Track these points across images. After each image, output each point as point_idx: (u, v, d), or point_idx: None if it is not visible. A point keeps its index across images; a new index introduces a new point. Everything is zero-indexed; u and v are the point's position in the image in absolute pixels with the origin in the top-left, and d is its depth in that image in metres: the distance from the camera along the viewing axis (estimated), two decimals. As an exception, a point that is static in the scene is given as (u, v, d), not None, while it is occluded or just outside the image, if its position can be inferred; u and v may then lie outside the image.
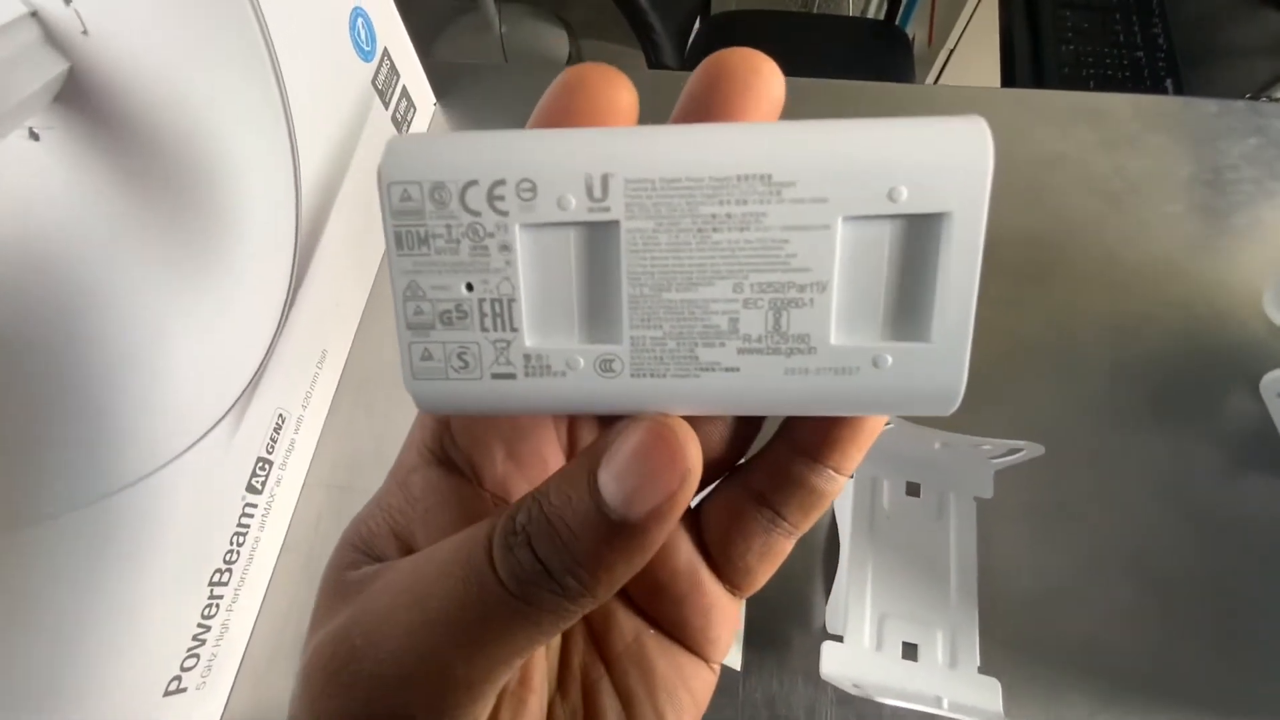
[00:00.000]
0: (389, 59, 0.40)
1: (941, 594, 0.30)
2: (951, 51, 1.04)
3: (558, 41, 1.46)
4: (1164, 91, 0.60)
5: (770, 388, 0.09)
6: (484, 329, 0.08)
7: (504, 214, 0.08)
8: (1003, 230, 0.41)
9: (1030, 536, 0.33)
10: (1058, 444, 0.35)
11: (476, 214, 0.08)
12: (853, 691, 0.26)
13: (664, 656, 0.13)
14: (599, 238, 0.08)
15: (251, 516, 0.31)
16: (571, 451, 0.14)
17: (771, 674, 0.31)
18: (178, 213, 0.25)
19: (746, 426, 0.13)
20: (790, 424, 0.12)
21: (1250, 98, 0.59)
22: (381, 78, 0.39)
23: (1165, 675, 0.31)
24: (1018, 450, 0.29)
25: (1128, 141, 0.44)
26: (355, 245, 0.38)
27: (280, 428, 0.33)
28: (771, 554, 0.13)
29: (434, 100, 0.48)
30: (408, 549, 0.12)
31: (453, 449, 0.13)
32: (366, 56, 0.37)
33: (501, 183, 0.08)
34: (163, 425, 0.25)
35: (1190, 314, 0.38)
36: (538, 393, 0.09)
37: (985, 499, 0.32)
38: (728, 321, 0.09)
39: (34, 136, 0.19)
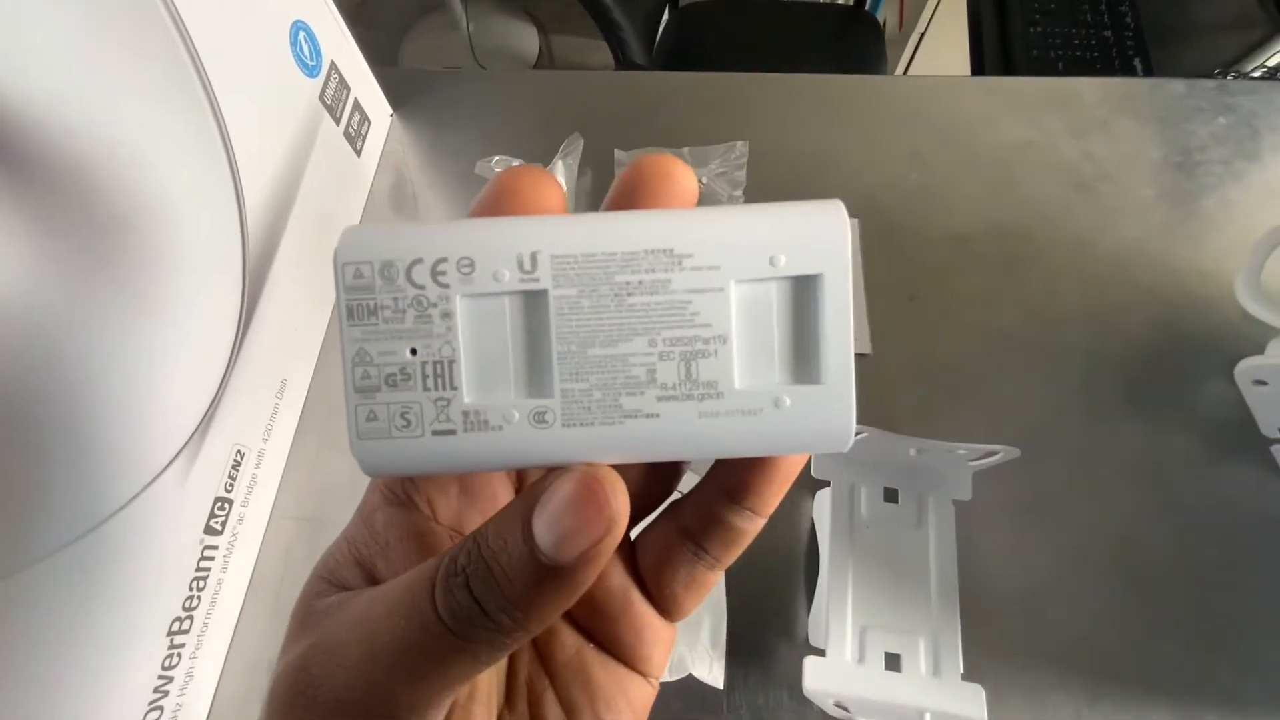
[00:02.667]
0: (337, 72, 0.39)
1: (923, 601, 0.30)
2: (922, 35, 1.03)
3: (527, 38, 1.44)
4: (1133, 71, 0.60)
5: (687, 431, 0.10)
6: (426, 389, 0.09)
7: (445, 286, 0.09)
8: (974, 223, 0.41)
9: (1010, 536, 0.33)
10: (1036, 439, 0.35)
11: (421, 287, 0.09)
12: (834, 713, 0.25)
13: (603, 669, 0.14)
14: (530, 304, 0.10)
15: (212, 560, 0.30)
16: (519, 487, 0.15)
17: (756, 689, 0.31)
18: (112, 251, 0.24)
19: (668, 469, 0.15)
20: (716, 467, 0.13)
21: (1219, 73, 0.59)
22: (330, 92, 0.38)
23: (1150, 669, 0.30)
24: (994, 454, 0.28)
25: (1097, 126, 0.44)
26: (312, 270, 0.37)
27: (239, 464, 0.32)
28: (696, 584, 0.14)
29: (390, 111, 0.46)
30: (372, 579, 0.12)
31: (410, 487, 0.13)
32: (311, 72, 0.36)
33: (444, 260, 0.09)
34: (105, 475, 0.24)
35: (1164, 301, 0.38)
36: (476, 448, 0.10)
37: (964, 501, 0.31)
38: (645, 372, 0.10)
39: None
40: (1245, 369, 0.33)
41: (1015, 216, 0.41)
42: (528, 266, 0.09)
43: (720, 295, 0.10)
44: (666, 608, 0.14)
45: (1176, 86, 0.45)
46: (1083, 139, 0.43)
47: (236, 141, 0.29)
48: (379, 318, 0.09)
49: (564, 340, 0.10)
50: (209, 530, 0.30)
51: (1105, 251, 0.40)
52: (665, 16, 1.06)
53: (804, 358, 0.10)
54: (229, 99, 0.28)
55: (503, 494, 0.15)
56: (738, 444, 0.10)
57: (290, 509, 0.35)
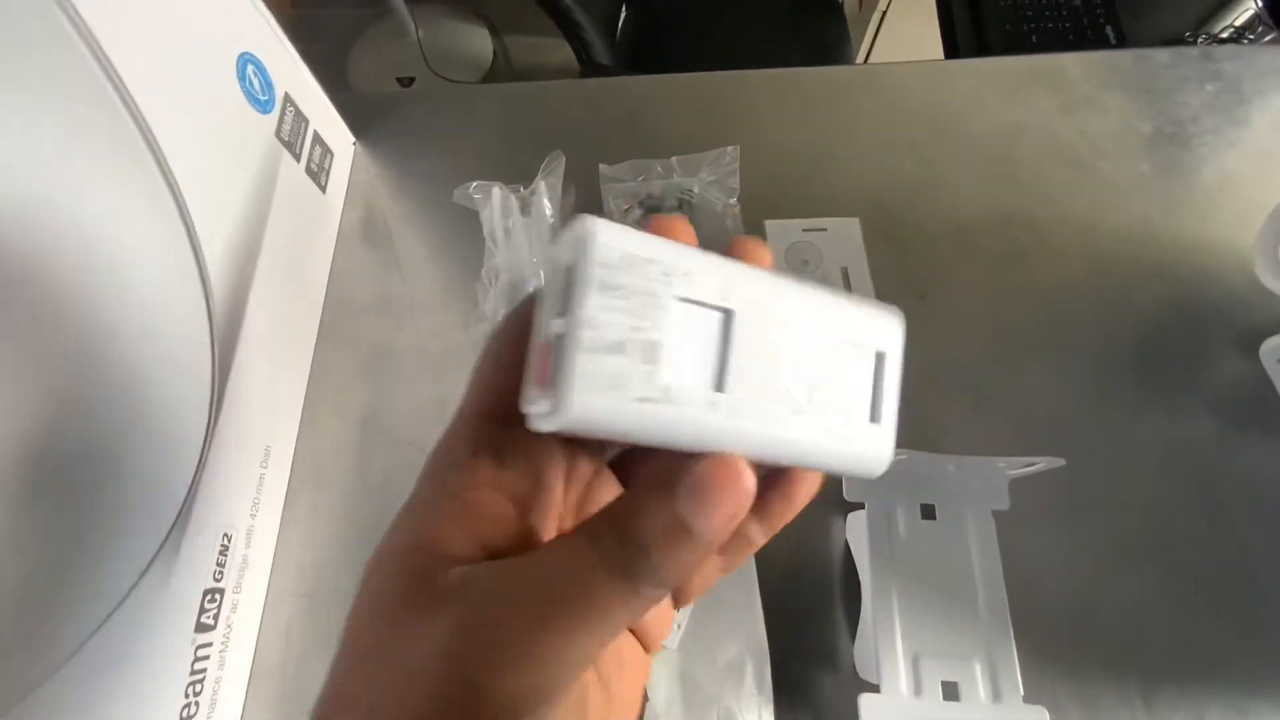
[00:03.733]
0: (292, 104, 0.35)
1: (973, 620, 0.29)
2: (884, 13, 1.02)
3: (480, 41, 1.40)
4: (1105, 40, 0.60)
5: (799, 438, 0.13)
6: (637, 362, 0.11)
7: (669, 286, 0.12)
8: (977, 211, 0.40)
9: (1047, 539, 0.32)
10: (1059, 435, 0.34)
11: (652, 281, 0.12)
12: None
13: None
14: (723, 319, 0.13)
15: (207, 658, 0.28)
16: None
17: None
18: (58, 332, 0.21)
19: None
20: None
21: (1190, 36, 0.59)
22: (287, 128, 0.35)
23: (1202, 663, 0.30)
24: (1034, 464, 0.27)
25: (1087, 103, 0.43)
26: (284, 327, 0.34)
27: (228, 548, 0.29)
28: (704, 580, 0.17)
29: (353, 140, 0.43)
30: (489, 550, 0.13)
31: (547, 463, 0.14)
32: (264, 107, 0.33)
33: (672, 268, 0.12)
34: (83, 595, 0.21)
35: (1174, 278, 0.37)
36: (661, 418, 0.12)
37: (1003, 511, 0.30)
38: (789, 391, 0.13)
39: None
40: (1271, 348, 0.32)
41: (1017, 201, 0.40)
42: (727, 292, 0.12)
43: (836, 352, 0.14)
44: (674, 597, 0.17)
45: (1161, 56, 0.44)
46: (1074, 116, 0.42)
47: (189, 195, 0.26)
48: (616, 295, 0.11)
49: (738, 352, 0.12)
50: (200, 628, 0.27)
51: (1110, 231, 0.39)
52: (623, 13, 1.03)
53: (875, 404, 0.14)
54: (176, 148, 0.25)
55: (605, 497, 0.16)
56: (823, 459, 0.14)
57: (288, 587, 0.32)
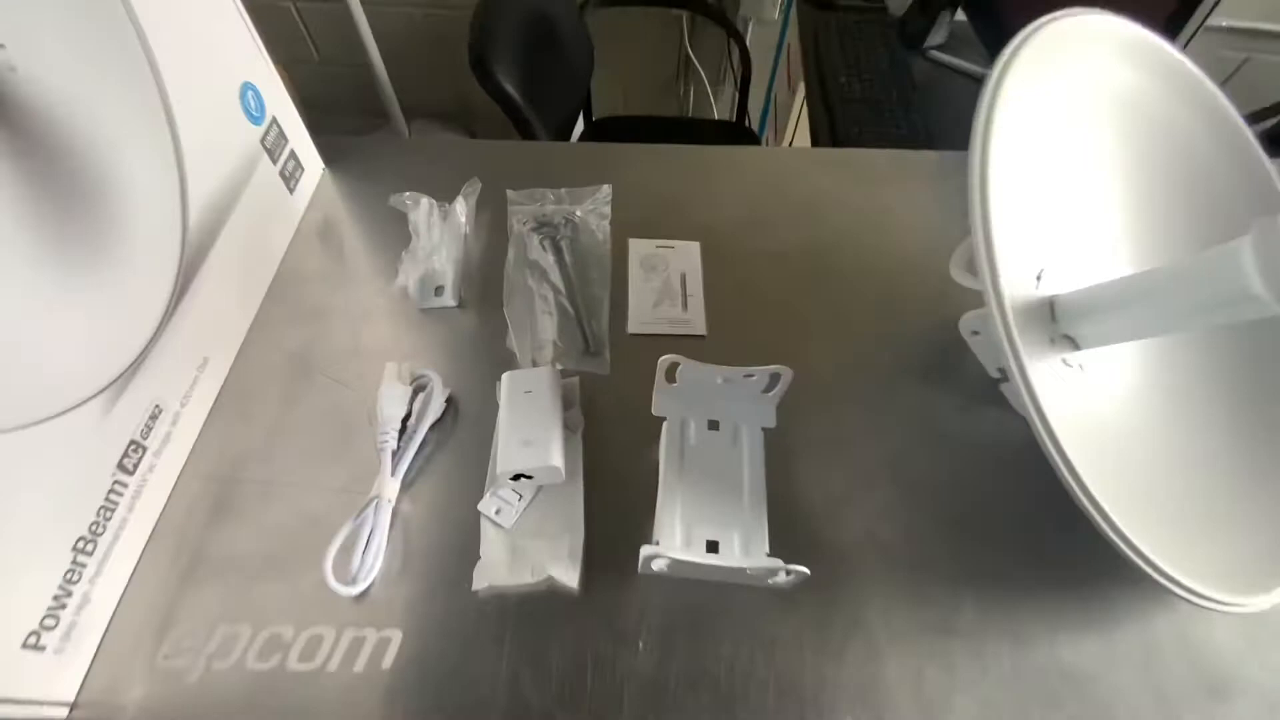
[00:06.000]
0: (277, 125, 0.48)
1: (737, 504, 0.37)
2: (791, 141, 1.26)
3: (464, 148, 1.62)
4: (913, 142, 0.78)
5: None
6: None
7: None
8: (791, 246, 0.53)
9: (813, 462, 0.41)
10: (836, 392, 0.44)
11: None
12: (663, 568, 0.31)
13: None
14: None
15: (121, 495, 0.34)
16: None
17: (610, 591, 0.36)
18: (73, 209, 0.31)
19: None
20: None
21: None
22: (270, 139, 0.47)
23: (923, 557, 0.38)
24: (777, 375, 0.37)
25: (878, 179, 0.58)
26: (240, 275, 0.44)
27: (157, 417, 0.37)
28: None
29: (323, 166, 0.56)
30: None
31: None
32: (256, 120, 0.45)
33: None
34: (35, 388, 0.29)
35: (927, 293, 0.50)
36: None
37: (770, 429, 0.39)
38: None
39: (-42, 134, 0.25)
40: (964, 322, 0.44)
41: (821, 239, 0.53)
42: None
43: None
44: None
45: (931, 155, 0.61)
46: (867, 185, 0.57)
47: (189, 154, 0.38)
48: None
49: None
50: (121, 468, 0.34)
51: (886, 261, 0.52)
52: (580, 128, 1.25)
53: None
54: (187, 125, 0.37)
55: None
56: None
57: (200, 471, 0.39)
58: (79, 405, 0.31)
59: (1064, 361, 0.38)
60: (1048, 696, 0.34)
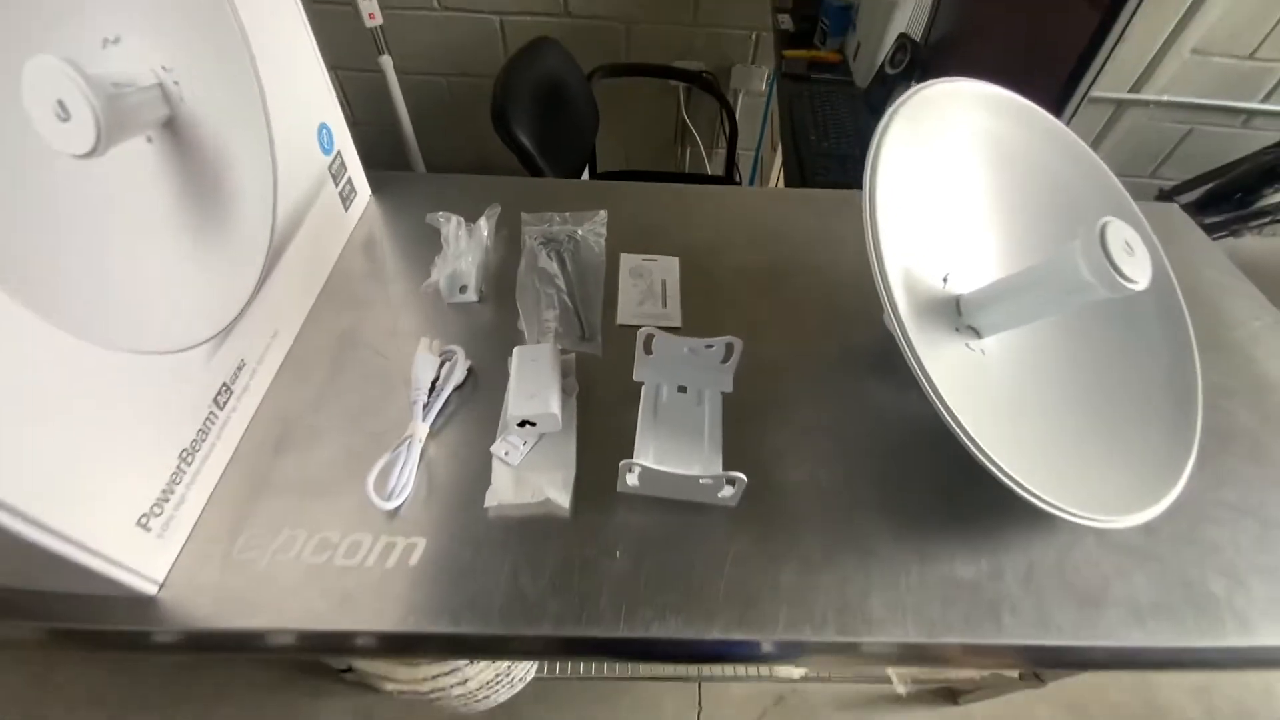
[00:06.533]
0: (340, 157, 0.60)
1: (698, 448, 0.46)
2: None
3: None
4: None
5: None
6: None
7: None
8: (754, 263, 0.64)
9: (769, 423, 0.50)
10: (786, 373, 0.54)
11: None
12: (635, 484, 0.40)
13: None
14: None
15: (213, 424, 0.44)
16: None
17: (594, 514, 0.44)
18: (205, 202, 0.42)
19: None
20: None
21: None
22: (335, 166, 0.59)
23: (854, 497, 0.46)
24: (731, 345, 0.47)
25: (831, 212, 0.70)
26: (305, 269, 0.55)
27: (240, 369, 0.46)
28: None
29: (370, 192, 0.68)
30: None
31: None
32: (326, 151, 0.57)
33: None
34: (177, 323, 0.39)
35: (866, 301, 0.60)
36: None
37: (729, 394, 0.49)
38: None
39: (149, 140, 0.37)
40: (886, 319, 0.54)
41: (778, 260, 0.64)
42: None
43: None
44: None
45: (878, 195, 0.73)
46: (821, 217, 0.69)
47: (280, 173, 0.49)
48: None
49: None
50: (215, 403, 0.44)
51: (832, 278, 0.63)
52: (585, 178, 1.40)
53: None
54: (281, 148, 0.49)
55: None
56: None
57: (268, 413, 0.49)
58: (197, 345, 0.41)
59: (968, 346, 0.48)
60: (944, 598, 0.41)
